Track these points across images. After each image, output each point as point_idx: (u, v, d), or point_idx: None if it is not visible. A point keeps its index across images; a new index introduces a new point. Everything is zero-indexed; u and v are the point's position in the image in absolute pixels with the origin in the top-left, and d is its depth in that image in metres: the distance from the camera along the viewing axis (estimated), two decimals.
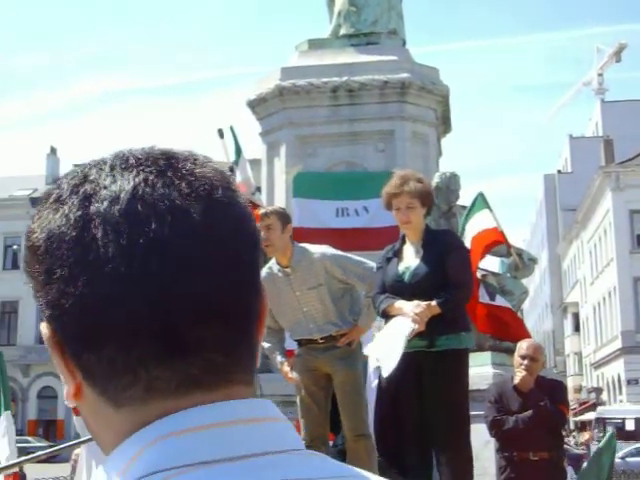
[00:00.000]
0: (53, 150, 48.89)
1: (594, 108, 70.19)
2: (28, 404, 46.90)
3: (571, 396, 60.16)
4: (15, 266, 44.06)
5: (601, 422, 38.96)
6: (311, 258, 6.14)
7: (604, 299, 53.88)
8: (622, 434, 31.38)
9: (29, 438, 39.08)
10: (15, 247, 43.74)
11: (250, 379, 0.84)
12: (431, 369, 5.65)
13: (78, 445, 5.57)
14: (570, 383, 62.94)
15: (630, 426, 36.56)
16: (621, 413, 39.84)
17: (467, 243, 8.58)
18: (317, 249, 6.25)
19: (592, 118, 70.40)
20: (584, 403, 53.85)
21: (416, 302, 5.52)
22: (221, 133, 5.90)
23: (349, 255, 6.31)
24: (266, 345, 6.42)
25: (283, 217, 6.24)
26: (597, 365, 56.89)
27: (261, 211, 6.31)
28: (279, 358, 6.32)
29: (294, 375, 6.22)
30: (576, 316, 64.58)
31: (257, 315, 0.84)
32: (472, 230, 8.61)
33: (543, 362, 7.26)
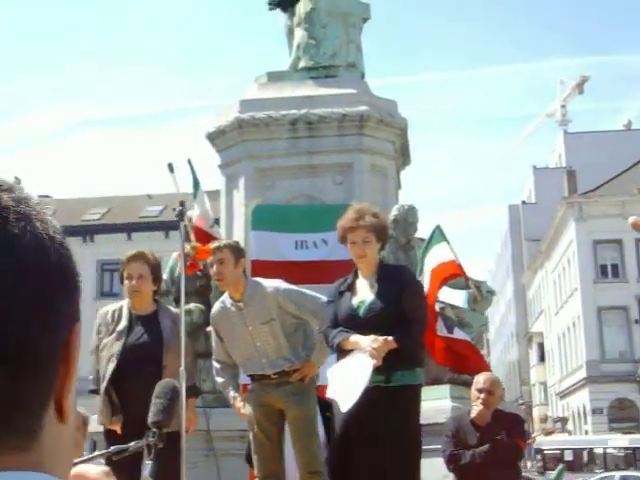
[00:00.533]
0: (17, 180, 48.50)
1: (557, 139, 70.98)
2: None
3: (537, 425, 60.36)
4: None
5: (540, 453, 39.66)
6: (264, 292, 6.11)
7: (568, 329, 54.23)
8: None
9: None
10: None
11: (27, 444, 0.74)
12: (386, 404, 5.62)
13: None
14: (536, 412, 63.19)
15: (569, 457, 37.21)
16: (559, 444, 40.49)
17: (426, 276, 8.59)
18: (270, 283, 6.22)
19: (555, 149, 71.21)
20: (550, 432, 53.98)
21: (373, 337, 5.50)
22: (171, 168, 5.86)
23: (303, 290, 6.29)
24: (219, 380, 6.39)
25: (236, 251, 6.21)
26: (562, 395, 57.14)
27: (214, 245, 6.27)
28: (232, 393, 6.28)
29: (247, 411, 6.18)
30: (541, 346, 64.89)
31: (51, 360, 0.76)
32: (430, 263, 8.63)
33: (501, 395, 7.26)
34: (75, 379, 0.80)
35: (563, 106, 77.87)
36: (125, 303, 6.32)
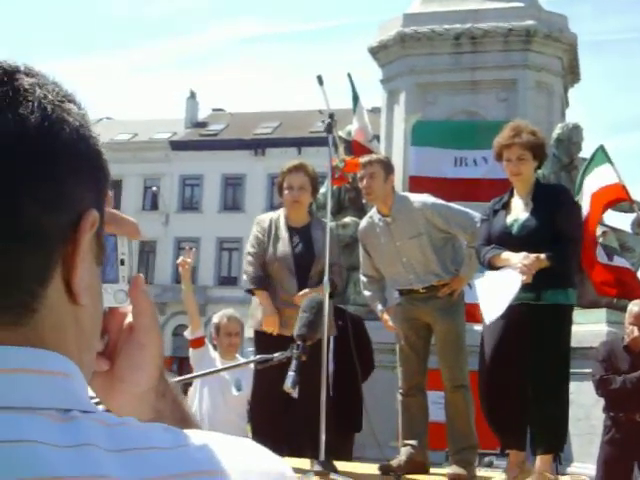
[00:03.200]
0: (193, 94, 49.80)
1: None
2: (164, 341, 48.55)
3: None
4: (154, 207, 45.40)
5: None
6: (412, 207, 6.11)
7: None
8: None
9: None
10: (154, 189, 44.91)
11: (19, 320, 0.76)
12: (536, 322, 5.57)
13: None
14: None
15: None
16: None
17: (585, 198, 8.31)
18: (418, 198, 6.21)
19: None
20: None
21: (524, 254, 5.43)
22: (320, 80, 5.84)
23: (451, 205, 6.25)
24: (367, 293, 6.46)
25: (386, 166, 6.21)
26: None
27: (364, 159, 6.27)
28: (379, 307, 6.34)
29: (394, 324, 6.23)
30: None
31: (51, 239, 0.78)
32: (592, 186, 8.29)
33: None
34: (88, 261, 0.82)
35: None
36: (282, 213, 6.43)
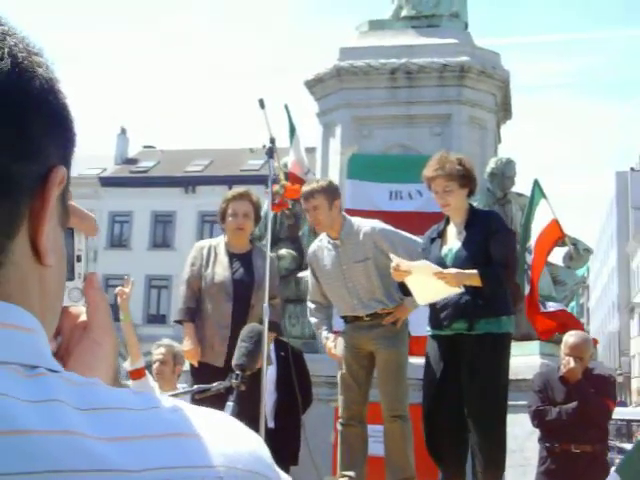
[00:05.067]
0: (123, 130, 49.50)
1: None
2: None
3: (635, 397, 59.19)
4: None
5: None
6: (360, 231, 6.13)
7: None
8: None
9: None
10: None
11: None
12: (469, 353, 5.58)
13: None
14: (634, 384, 61.90)
15: None
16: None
17: (532, 245, 8.30)
18: (367, 223, 6.24)
19: None
20: None
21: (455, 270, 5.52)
22: (262, 103, 5.81)
23: (399, 231, 6.27)
24: (313, 320, 6.43)
25: (328, 193, 6.20)
26: None
27: (305, 191, 6.22)
28: (324, 333, 6.31)
29: (337, 352, 6.19)
30: None
31: (18, 190, 0.75)
32: (536, 230, 8.31)
33: (592, 354, 7.09)
34: (54, 221, 0.79)
35: None
36: (222, 239, 6.40)
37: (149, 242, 44.71)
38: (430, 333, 5.83)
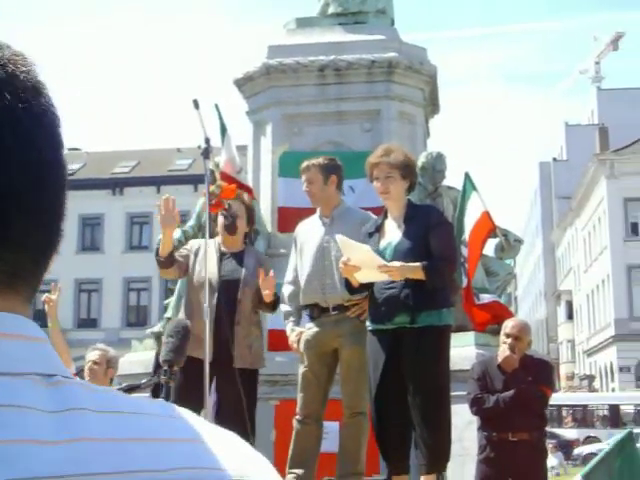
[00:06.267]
0: None
1: (590, 96, 70.07)
2: None
3: (563, 383, 60.34)
4: None
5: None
6: (352, 218, 6.16)
7: (597, 287, 53.95)
8: None
9: None
10: None
11: (30, 296, 0.77)
12: (411, 345, 5.62)
13: None
14: (563, 370, 63.13)
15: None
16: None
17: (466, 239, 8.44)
18: (362, 214, 6.34)
19: (588, 106, 70.29)
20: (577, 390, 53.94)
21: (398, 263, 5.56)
22: (196, 104, 5.79)
23: None
24: (284, 308, 6.35)
25: (324, 169, 6.30)
26: (590, 352, 57.01)
27: (304, 164, 6.37)
28: (290, 325, 6.27)
29: (300, 347, 6.16)
30: (569, 304, 64.66)
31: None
32: (469, 223, 8.45)
33: (529, 342, 7.19)
34: None
35: (597, 63, 76.80)
36: (216, 239, 6.43)
37: (77, 245, 44.08)
38: (370, 328, 5.84)
